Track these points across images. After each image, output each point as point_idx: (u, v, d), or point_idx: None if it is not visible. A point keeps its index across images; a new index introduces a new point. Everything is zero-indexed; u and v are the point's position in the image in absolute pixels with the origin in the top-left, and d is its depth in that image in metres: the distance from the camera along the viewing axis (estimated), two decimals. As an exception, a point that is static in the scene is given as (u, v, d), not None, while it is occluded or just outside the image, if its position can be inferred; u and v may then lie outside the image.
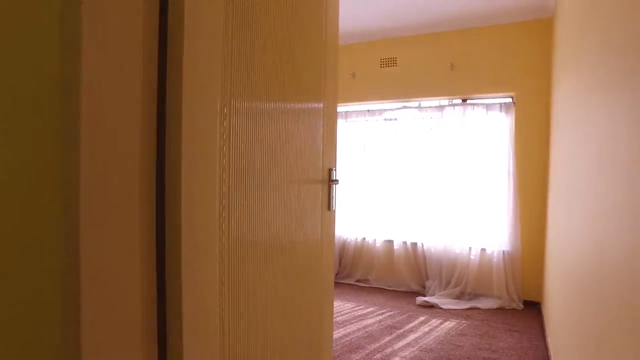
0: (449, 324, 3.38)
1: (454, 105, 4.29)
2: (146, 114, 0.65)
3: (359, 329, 3.24)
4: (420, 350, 2.83)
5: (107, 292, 0.60)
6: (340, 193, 4.44)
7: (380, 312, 3.68)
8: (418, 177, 4.47)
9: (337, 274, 4.76)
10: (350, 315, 3.56)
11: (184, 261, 0.70)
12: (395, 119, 4.60)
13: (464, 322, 3.44)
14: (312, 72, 1.24)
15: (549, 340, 2.85)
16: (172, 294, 0.70)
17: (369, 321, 3.43)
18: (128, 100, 0.63)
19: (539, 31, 3.85)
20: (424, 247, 4.36)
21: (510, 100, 4.04)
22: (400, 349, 2.86)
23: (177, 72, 0.69)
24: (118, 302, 0.62)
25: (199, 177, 0.74)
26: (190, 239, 0.71)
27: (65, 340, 0.58)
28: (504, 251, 3.97)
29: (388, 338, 3.06)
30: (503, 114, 4.07)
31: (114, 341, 0.62)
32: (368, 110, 4.73)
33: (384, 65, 4.57)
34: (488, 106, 4.14)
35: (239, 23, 0.86)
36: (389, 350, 2.84)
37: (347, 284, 4.61)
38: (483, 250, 4.10)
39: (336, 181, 1.42)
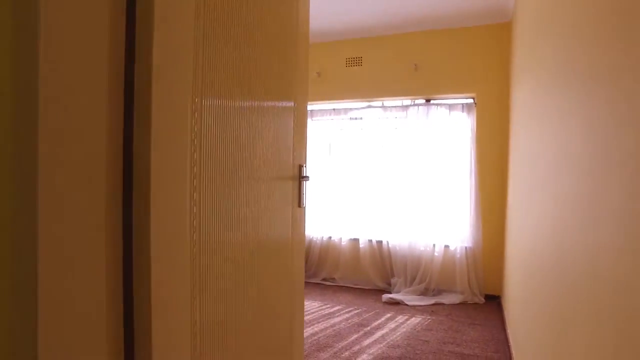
0: (415, 320, 3.44)
1: (417, 105, 4.38)
2: (113, 105, 0.61)
3: (326, 328, 3.23)
4: (388, 347, 2.87)
5: (68, 298, 0.56)
6: (306, 192, 4.41)
7: (347, 310, 3.69)
8: (383, 175, 4.53)
9: (303, 274, 4.73)
10: (318, 314, 3.56)
11: (153, 268, 0.65)
12: (361, 118, 4.64)
13: (429, 317, 3.52)
14: (283, 71, 1.22)
15: (509, 331, 2.96)
16: (140, 309, 0.65)
17: (336, 319, 3.43)
18: (92, 93, 0.58)
19: (499, 35, 4.00)
20: (389, 245, 4.42)
21: (471, 100, 4.17)
22: (368, 346, 2.88)
23: (147, 64, 0.65)
24: (80, 310, 0.57)
25: (170, 167, 0.70)
26: (161, 238, 0.67)
27: (21, 349, 0.53)
28: (466, 247, 4.09)
29: (356, 336, 3.08)
30: (465, 114, 4.19)
31: (75, 354, 0.57)
32: (333, 109, 4.74)
33: (350, 65, 4.60)
34: (450, 106, 4.26)
35: (211, 20, 0.83)
36: (356, 347, 2.86)
37: (313, 283, 4.60)
38: (446, 247, 4.21)
39: (307, 177, 1.41)
